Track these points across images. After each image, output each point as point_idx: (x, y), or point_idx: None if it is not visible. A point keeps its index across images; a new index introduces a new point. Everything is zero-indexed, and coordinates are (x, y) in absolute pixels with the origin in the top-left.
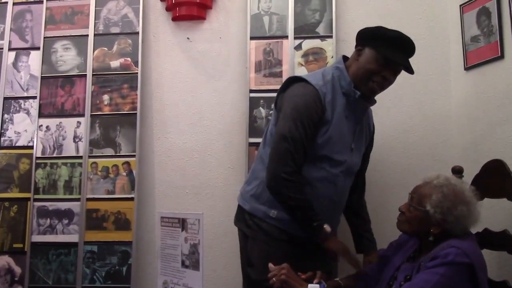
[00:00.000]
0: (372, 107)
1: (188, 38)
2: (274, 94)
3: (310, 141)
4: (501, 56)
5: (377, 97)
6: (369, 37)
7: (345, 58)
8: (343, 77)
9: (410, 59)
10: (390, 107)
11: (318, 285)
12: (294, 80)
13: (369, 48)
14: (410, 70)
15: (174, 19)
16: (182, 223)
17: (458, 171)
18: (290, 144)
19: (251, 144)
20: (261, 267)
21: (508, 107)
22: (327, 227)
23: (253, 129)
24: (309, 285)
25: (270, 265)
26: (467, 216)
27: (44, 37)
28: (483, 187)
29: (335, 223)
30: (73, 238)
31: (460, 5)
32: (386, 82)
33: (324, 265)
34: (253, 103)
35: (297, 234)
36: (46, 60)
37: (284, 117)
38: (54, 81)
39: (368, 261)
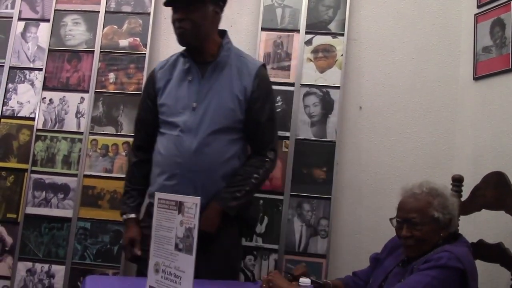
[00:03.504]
0: (379, 109)
1: None
2: (281, 87)
3: (148, 114)
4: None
5: (380, 100)
6: None
7: None
8: None
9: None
10: (396, 111)
11: (309, 280)
12: None
13: None
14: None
15: None
16: (179, 206)
17: (458, 180)
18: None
19: None
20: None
21: None
22: (125, 216)
23: None
24: (300, 279)
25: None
26: (457, 208)
27: (55, 10)
28: (482, 198)
29: (202, 191)
30: (67, 213)
31: (475, 15)
32: (178, 22)
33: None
34: None
35: None
36: (55, 33)
37: None
38: (61, 55)
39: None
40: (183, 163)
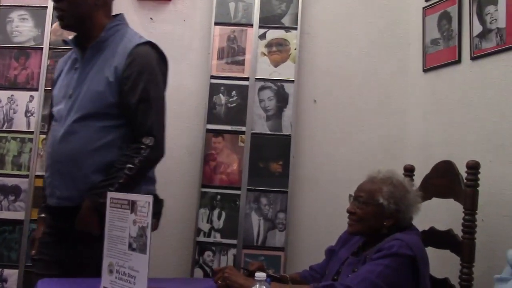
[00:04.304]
0: (333, 102)
1: (151, 19)
2: (235, 82)
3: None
4: (458, 61)
5: (334, 94)
6: None
7: None
8: None
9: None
10: (348, 104)
11: (264, 274)
12: None
13: None
14: None
15: None
16: (132, 205)
17: (409, 170)
18: None
19: (208, 131)
20: None
21: (461, 111)
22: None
23: (211, 116)
24: (256, 273)
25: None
26: (413, 203)
27: (0, 5)
28: (432, 187)
29: (71, 183)
30: (19, 215)
31: (423, 8)
32: (56, 3)
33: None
34: (213, 90)
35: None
36: (1, 29)
37: None
38: (8, 52)
39: None
40: (52, 153)
